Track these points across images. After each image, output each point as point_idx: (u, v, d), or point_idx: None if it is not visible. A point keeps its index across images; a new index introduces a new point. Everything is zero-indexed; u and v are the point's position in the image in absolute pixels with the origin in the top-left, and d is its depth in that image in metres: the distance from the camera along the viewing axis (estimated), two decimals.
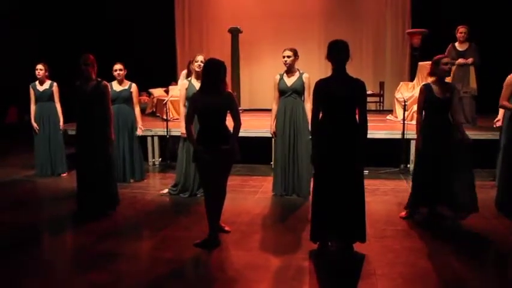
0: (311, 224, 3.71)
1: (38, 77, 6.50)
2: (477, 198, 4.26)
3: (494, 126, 5.66)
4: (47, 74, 6.57)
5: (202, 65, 5.13)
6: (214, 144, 3.75)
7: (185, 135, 5.14)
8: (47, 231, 4.53)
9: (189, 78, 5.35)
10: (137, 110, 6.13)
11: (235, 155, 3.88)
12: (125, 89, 6.03)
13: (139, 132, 6.10)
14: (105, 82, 4.81)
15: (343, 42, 3.53)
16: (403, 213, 4.57)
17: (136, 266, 3.59)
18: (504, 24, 9.03)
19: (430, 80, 4.48)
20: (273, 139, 5.51)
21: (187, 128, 3.88)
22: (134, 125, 6.12)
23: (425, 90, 4.37)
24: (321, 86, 3.56)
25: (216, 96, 3.73)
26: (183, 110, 5.21)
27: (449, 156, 4.30)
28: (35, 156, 6.63)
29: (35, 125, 6.52)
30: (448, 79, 7.36)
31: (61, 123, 6.58)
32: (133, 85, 6.10)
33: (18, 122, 10.79)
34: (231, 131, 3.88)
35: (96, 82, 4.72)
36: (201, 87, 3.87)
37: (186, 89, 5.23)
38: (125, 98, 6.01)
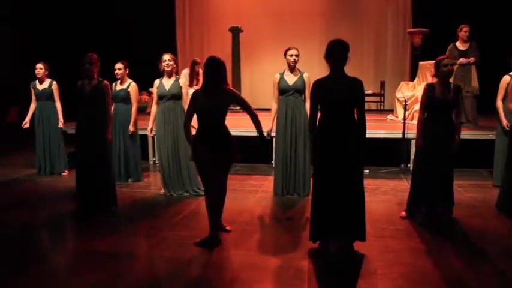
0: (310, 224, 3.70)
1: (38, 76, 6.52)
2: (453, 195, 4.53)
3: None
4: (46, 73, 6.59)
5: (169, 63, 5.18)
6: (213, 143, 3.74)
7: (151, 134, 5.67)
8: (47, 230, 4.52)
9: (161, 78, 5.37)
10: (133, 108, 6.02)
11: (235, 154, 3.88)
12: (123, 89, 6.00)
13: (130, 131, 5.97)
14: (105, 82, 4.81)
15: (344, 43, 3.49)
16: (404, 213, 4.57)
17: (136, 265, 3.59)
18: (505, 24, 9.02)
19: (433, 80, 4.50)
20: (274, 139, 5.51)
21: (187, 126, 3.88)
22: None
23: (428, 90, 4.40)
24: (319, 86, 3.53)
25: (217, 95, 3.72)
26: (154, 108, 5.46)
27: (448, 155, 4.35)
28: (36, 155, 6.64)
29: (26, 120, 6.55)
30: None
31: (61, 121, 6.57)
32: (132, 84, 6.05)
33: (19, 121, 10.79)
34: (230, 130, 3.87)
35: (97, 81, 4.73)
36: (202, 86, 3.88)
37: (157, 87, 5.33)
38: (122, 97, 5.98)
